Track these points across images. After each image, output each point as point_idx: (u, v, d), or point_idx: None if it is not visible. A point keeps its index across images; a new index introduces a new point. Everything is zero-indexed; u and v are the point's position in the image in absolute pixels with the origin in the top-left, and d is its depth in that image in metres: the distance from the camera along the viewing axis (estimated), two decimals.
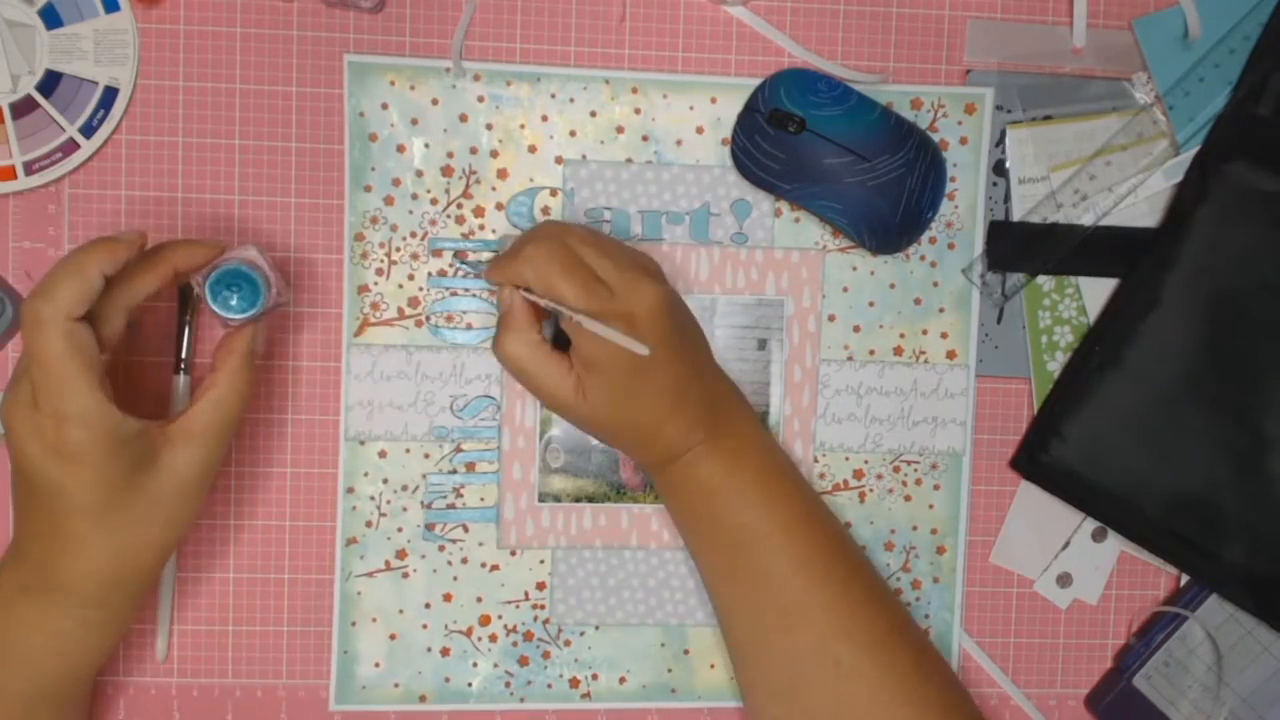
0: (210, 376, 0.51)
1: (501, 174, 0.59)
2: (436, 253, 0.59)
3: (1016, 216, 0.61)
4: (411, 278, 0.59)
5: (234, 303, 0.51)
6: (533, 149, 0.59)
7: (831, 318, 0.61)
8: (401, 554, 0.60)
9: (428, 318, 0.59)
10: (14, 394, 0.47)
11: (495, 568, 0.61)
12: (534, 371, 0.53)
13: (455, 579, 0.60)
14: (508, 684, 0.61)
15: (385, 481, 0.60)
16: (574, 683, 0.61)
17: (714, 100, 0.60)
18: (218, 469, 0.51)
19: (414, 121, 0.59)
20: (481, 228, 0.59)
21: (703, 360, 0.56)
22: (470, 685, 0.61)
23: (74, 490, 0.46)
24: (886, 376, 0.62)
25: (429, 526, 0.60)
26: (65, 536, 0.48)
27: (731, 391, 0.58)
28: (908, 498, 0.62)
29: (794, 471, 0.58)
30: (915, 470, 0.62)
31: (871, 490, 0.62)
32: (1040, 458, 0.61)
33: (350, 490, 0.60)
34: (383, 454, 0.59)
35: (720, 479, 0.55)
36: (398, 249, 0.59)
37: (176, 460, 0.49)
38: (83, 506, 0.47)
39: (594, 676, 0.61)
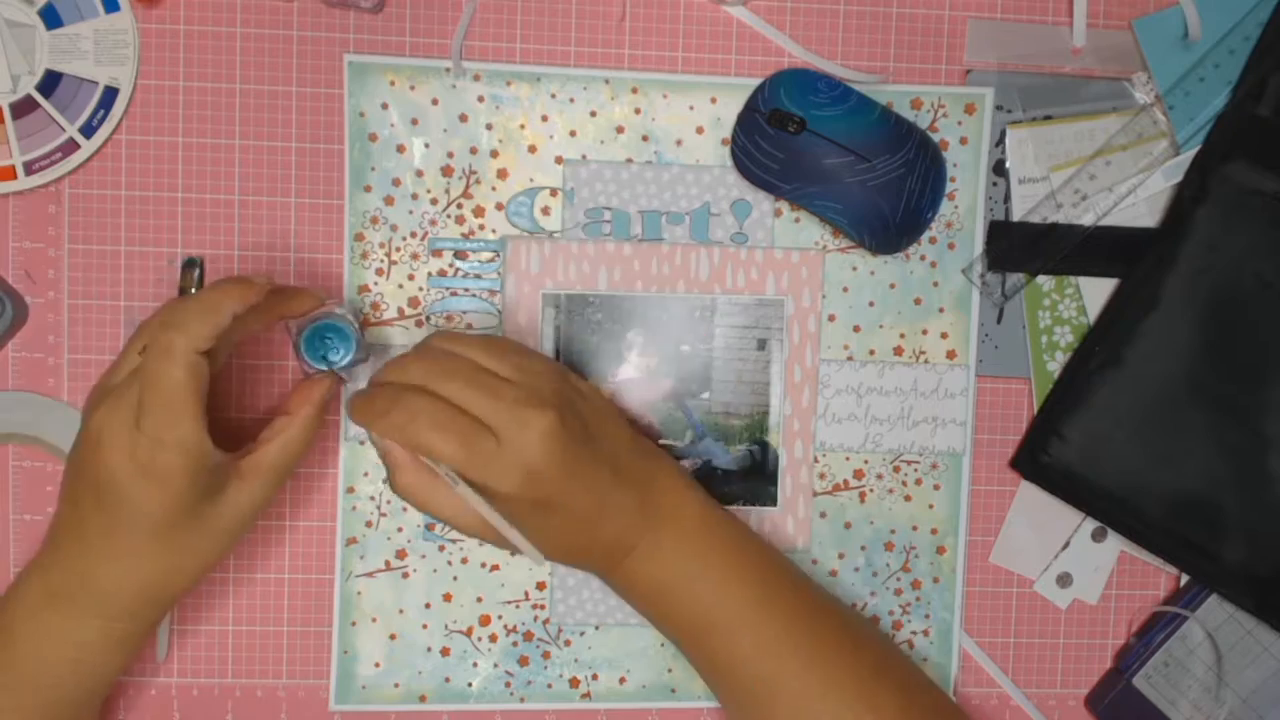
0: (283, 419, 0.52)
1: (501, 174, 0.59)
2: (436, 253, 0.59)
3: (1016, 216, 0.61)
4: (411, 278, 0.59)
5: (327, 355, 0.54)
6: (533, 149, 0.59)
7: (831, 318, 0.61)
8: (401, 554, 0.60)
9: (428, 318, 0.59)
10: (112, 407, 0.47)
11: (495, 568, 0.61)
12: (433, 508, 0.51)
13: (455, 579, 0.60)
14: (508, 684, 0.61)
15: (385, 482, 0.60)
16: (574, 683, 0.61)
17: (714, 100, 0.60)
18: (269, 506, 0.52)
19: (414, 121, 0.59)
20: (481, 228, 0.59)
21: (621, 453, 0.53)
22: (470, 685, 0.61)
23: (146, 509, 0.47)
24: (886, 376, 0.62)
25: (429, 526, 0.60)
26: (117, 547, 0.48)
27: (662, 469, 0.55)
28: (908, 498, 0.62)
29: (741, 537, 0.55)
30: (915, 470, 0.62)
31: (871, 490, 0.62)
32: (1040, 458, 0.61)
33: (350, 490, 0.60)
34: None
35: (669, 575, 0.53)
36: (398, 249, 0.59)
37: (241, 494, 0.50)
38: (147, 525, 0.48)
39: (594, 676, 0.61)
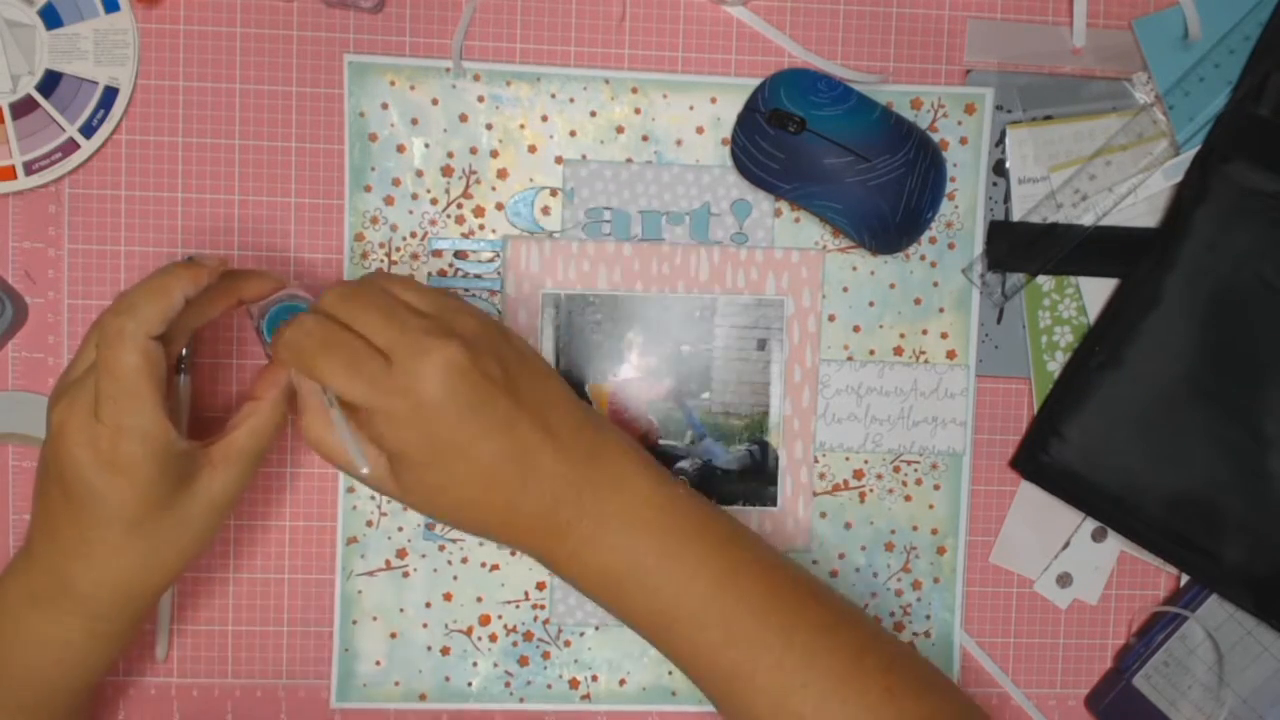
0: (251, 404, 0.51)
1: (501, 174, 0.59)
2: (436, 253, 0.59)
3: (1016, 216, 0.61)
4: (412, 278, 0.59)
5: None
6: (533, 149, 0.59)
7: (831, 318, 0.61)
8: (402, 553, 0.60)
9: None
10: (72, 401, 0.47)
11: (495, 567, 0.61)
12: (336, 458, 0.48)
13: (455, 578, 0.60)
14: (507, 684, 0.61)
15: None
16: (574, 683, 0.61)
17: (714, 100, 0.60)
18: (244, 494, 0.52)
19: (414, 121, 0.59)
20: (481, 228, 0.59)
21: (554, 415, 0.48)
22: (470, 685, 0.61)
23: (115, 502, 0.47)
24: (886, 376, 0.62)
25: (429, 526, 0.60)
26: (91, 545, 0.48)
27: (609, 441, 0.50)
28: (908, 498, 0.62)
29: (703, 515, 0.50)
30: (915, 470, 0.62)
31: (871, 490, 0.62)
32: (1040, 458, 0.61)
33: (351, 490, 0.60)
34: None
35: (622, 562, 0.48)
36: (398, 249, 0.59)
37: (212, 483, 0.49)
38: (118, 519, 0.47)
39: (594, 678, 0.61)
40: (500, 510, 0.48)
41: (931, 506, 0.62)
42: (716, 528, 0.51)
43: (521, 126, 0.59)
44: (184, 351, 0.55)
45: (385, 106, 0.58)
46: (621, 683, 0.61)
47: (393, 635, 0.60)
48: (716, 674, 0.49)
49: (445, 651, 0.61)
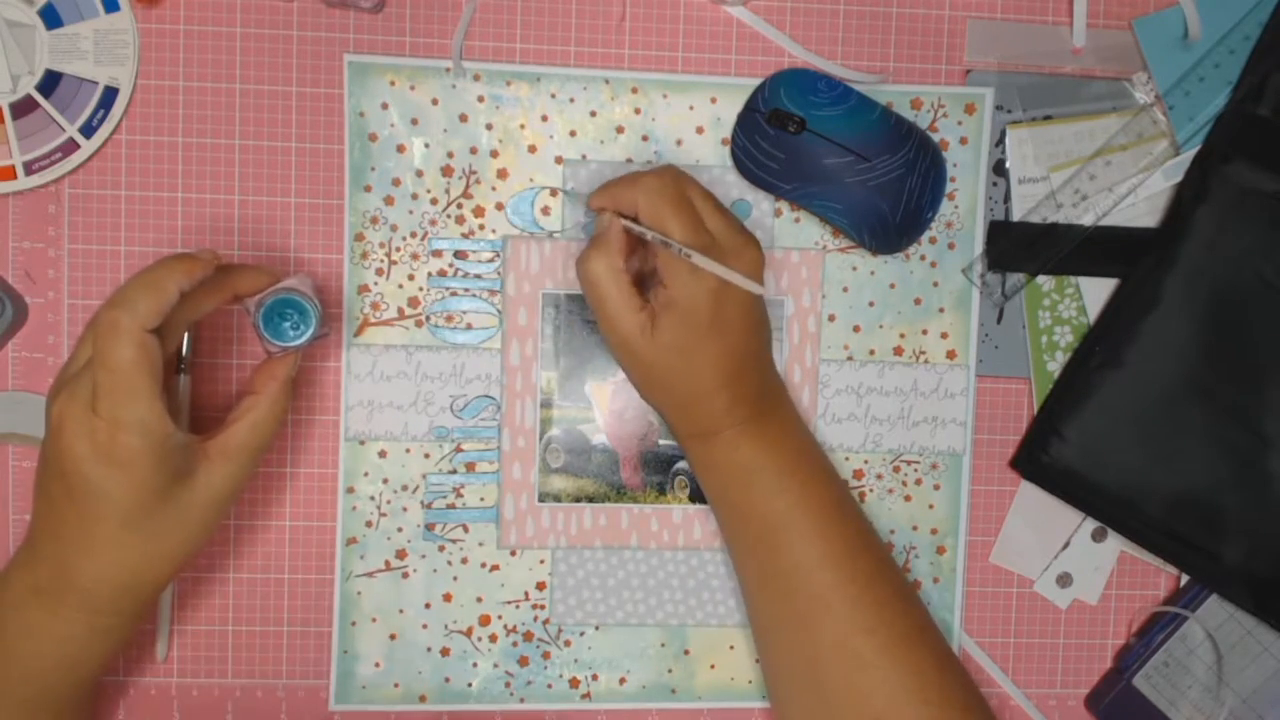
0: (250, 399, 0.51)
1: (501, 174, 0.59)
2: (436, 253, 0.59)
3: (1016, 216, 0.61)
4: (411, 278, 0.59)
5: (287, 331, 0.52)
6: (533, 149, 0.59)
7: (831, 318, 0.61)
8: (401, 554, 0.60)
9: (428, 318, 0.59)
10: (70, 395, 0.47)
11: (495, 568, 0.61)
12: (611, 296, 0.53)
13: (455, 579, 0.60)
14: (508, 684, 0.61)
15: (385, 481, 0.60)
16: (574, 683, 0.61)
17: (714, 100, 0.60)
18: (244, 489, 0.52)
19: (414, 121, 0.59)
20: (481, 228, 0.59)
21: (764, 347, 0.57)
22: (470, 685, 0.61)
23: (114, 495, 0.47)
24: (886, 376, 0.62)
25: (429, 526, 0.60)
26: (92, 539, 0.48)
27: (780, 387, 0.58)
28: (908, 498, 0.62)
29: (830, 467, 0.58)
30: (915, 470, 0.62)
31: (871, 490, 0.62)
32: (1040, 458, 0.61)
33: (350, 490, 0.60)
34: (383, 454, 0.59)
35: (759, 462, 0.55)
36: (398, 249, 0.59)
37: (212, 476, 0.50)
38: (118, 513, 0.47)
39: (594, 677, 0.61)
40: (705, 389, 0.54)
41: (931, 506, 0.62)
42: (834, 471, 0.58)
43: (521, 126, 0.59)
44: (184, 351, 0.55)
45: (385, 106, 0.58)
46: (621, 682, 0.61)
47: (392, 636, 0.60)
48: (803, 591, 0.54)
49: (445, 652, 0.61)
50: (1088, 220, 0.61)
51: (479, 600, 0.60)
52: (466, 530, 0.60)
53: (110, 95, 0.57)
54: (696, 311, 0.52)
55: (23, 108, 0.56)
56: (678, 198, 0.53)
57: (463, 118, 0.59)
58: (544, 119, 0.59)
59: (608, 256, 0.53)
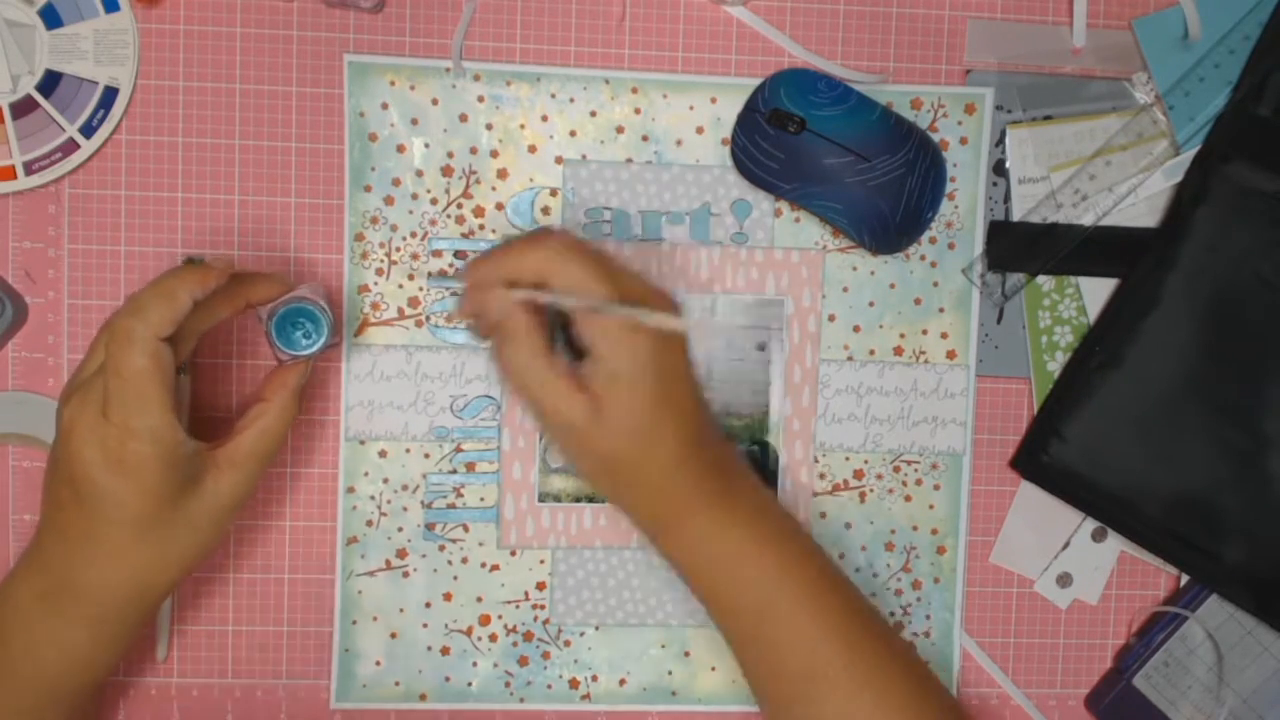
0: (260, 406, 0.51)
1: (501, 174, 0.59)
2: (436, 253, 0.59)
3: (1016, 216, 0.61)
4: (411, 278, 0.59)
5: (299, 340, 0.52)
6: (533, 149, 0.59)
7: (831, 318, 0.61)
8: (402, 553, 0.60)
9: (428, 318, 0.59)
10: (82, 400, 0.47)
11: (495, 568, 0.61)
12: (542, 388, 0.48)
13: (455, 579, 0.60)
14: (507, 684, 0.61)
15: (385, 481, 0.60)
16: (574, 683, 0.61)
17: (714, 100, 0.60)
18: (251, 496, 0.52)
19: (414, 121, 0.59)
20: (481, 228, 0.59)
21: (707, 402, 0.54)
22: (470, 685, 0.61)
23: (123, 502, 0.47)
24: (886, 376, 0.62)
25: (429, 526, 0.60)
26: (98, 545, 0.48)
27: (735, 452, 0.55)
28: (908, 498, 0.62)
29: (804, 534, 0.55)
30: (915, 470, 0.62)
31: (871, 490, 0.62)
32: (1040, 458, 0.61)
33: (350, 490, 0.60)
34: (383, 454, 0.59)
35: (738, 551, 0.51)
36: (398, 249, 0.59)
37: (220, 484, 0.50)
38: (126, 519, 0.47)
39: (594, 678, 0.61)
40: (669, 466, 0.50)
41: (931, 506, 0.62)
42: (808, 538, 0.54)
43: (521, 126, 0.59)
44: None
45: (385, 106, 0.58)
46: (621, 683, 0.61)
47: (393, 635, 0.60)
48: (795, 672, 0.51)
49: (445, 651, 0.61)
50: (1088, 220, 0.61)
51: (479, 600, 0.60)
52: (467, 530, 0.60)
53: (110, 95, 0.57)
54: (643, 379, 0.47)
55: (23, 108, 0.56)
56: (586, 251, 0.48)
57: (463, 118, 0.59)
58: (544, 119, 0.59)
59: (525, 342, 0.48)
